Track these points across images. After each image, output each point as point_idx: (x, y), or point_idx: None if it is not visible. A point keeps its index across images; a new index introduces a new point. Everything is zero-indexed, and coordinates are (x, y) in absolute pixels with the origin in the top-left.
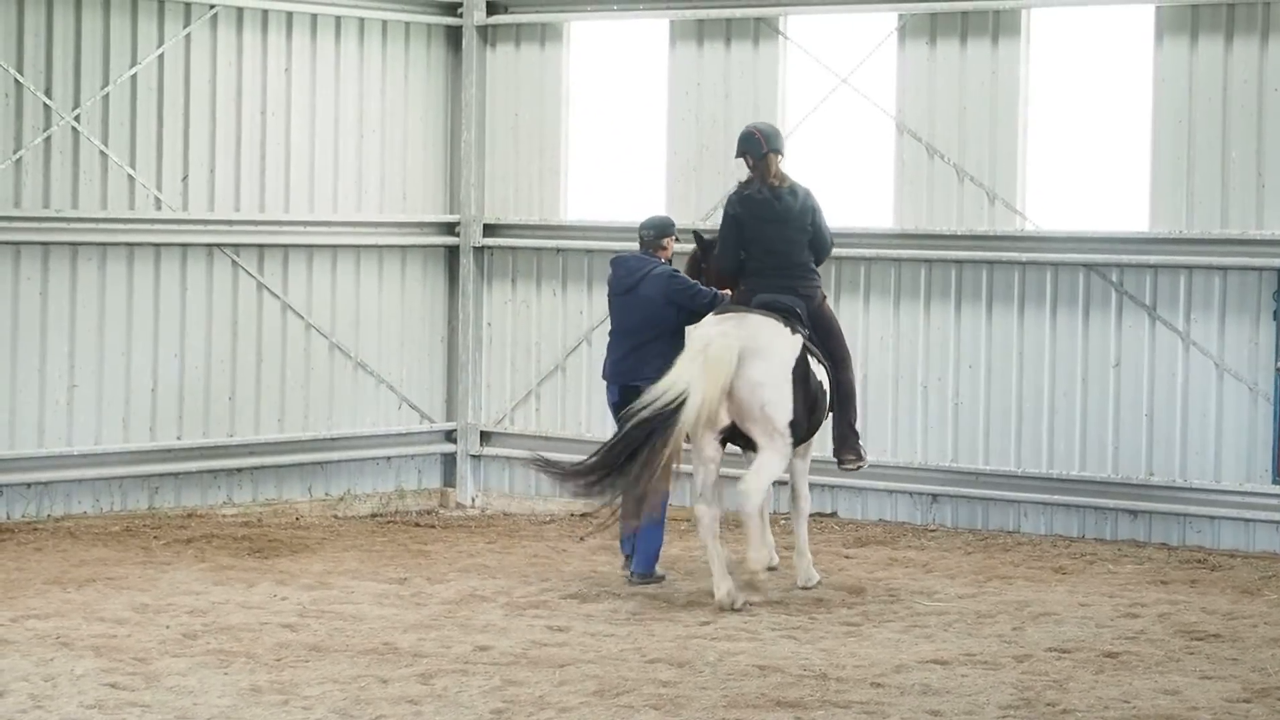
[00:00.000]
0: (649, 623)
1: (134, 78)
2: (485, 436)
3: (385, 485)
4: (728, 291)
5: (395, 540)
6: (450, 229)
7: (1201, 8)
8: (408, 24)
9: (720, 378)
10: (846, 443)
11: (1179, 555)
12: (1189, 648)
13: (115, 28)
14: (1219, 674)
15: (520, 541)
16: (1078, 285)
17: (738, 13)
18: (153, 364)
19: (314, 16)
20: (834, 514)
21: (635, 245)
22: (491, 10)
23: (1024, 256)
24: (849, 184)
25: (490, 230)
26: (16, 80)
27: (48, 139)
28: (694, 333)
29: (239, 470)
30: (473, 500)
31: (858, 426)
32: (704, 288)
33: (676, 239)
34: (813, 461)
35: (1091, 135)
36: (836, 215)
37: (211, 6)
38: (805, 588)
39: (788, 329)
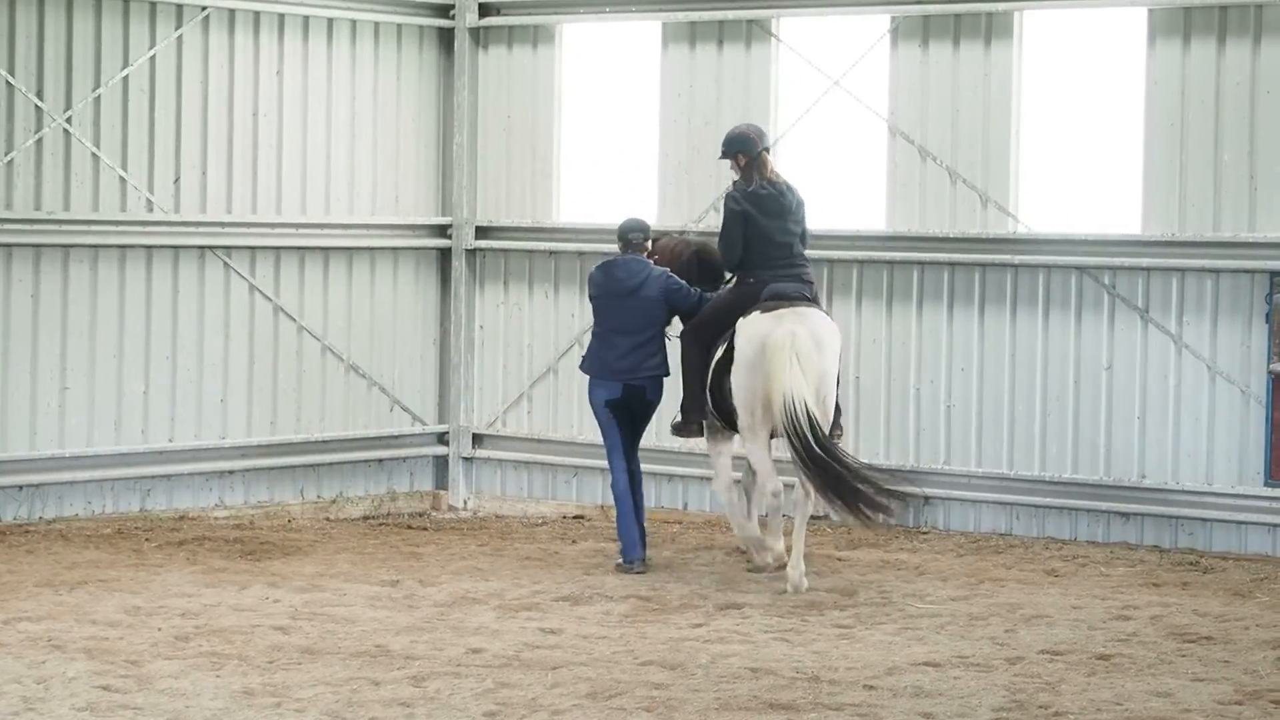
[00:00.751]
0: (641, 625)
1: (126, 79)
2: (477, 439)
3: (377, 488)
4: (710, 294)
5: (387, 543)
6: (442, 231)
7: (1194, 10)
8: (400, 26)
9: (811, 374)
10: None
11: (1171, 557)
12: (1181, 650)
13: (107, 29)
14: (1211, 676)
15: (512, 544)
16: (1070, 288)
17: (730, 15)
18: (144, 366)
19: (306, 18)
20: (826, 516)
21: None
22: (483, 12)
23: (1016, 259)
24: (841, 186)
25: (482, 233)
26: (8, 82)
27: (39, 141)
28: (751, 327)
29: (231, 472)
30: (465, 503)
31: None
32: (692, 289)
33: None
34: None
35: (1084, 138)
36: (829, 217)
37: (203, 8)
38: (798, 590)
39: (833, 321)
